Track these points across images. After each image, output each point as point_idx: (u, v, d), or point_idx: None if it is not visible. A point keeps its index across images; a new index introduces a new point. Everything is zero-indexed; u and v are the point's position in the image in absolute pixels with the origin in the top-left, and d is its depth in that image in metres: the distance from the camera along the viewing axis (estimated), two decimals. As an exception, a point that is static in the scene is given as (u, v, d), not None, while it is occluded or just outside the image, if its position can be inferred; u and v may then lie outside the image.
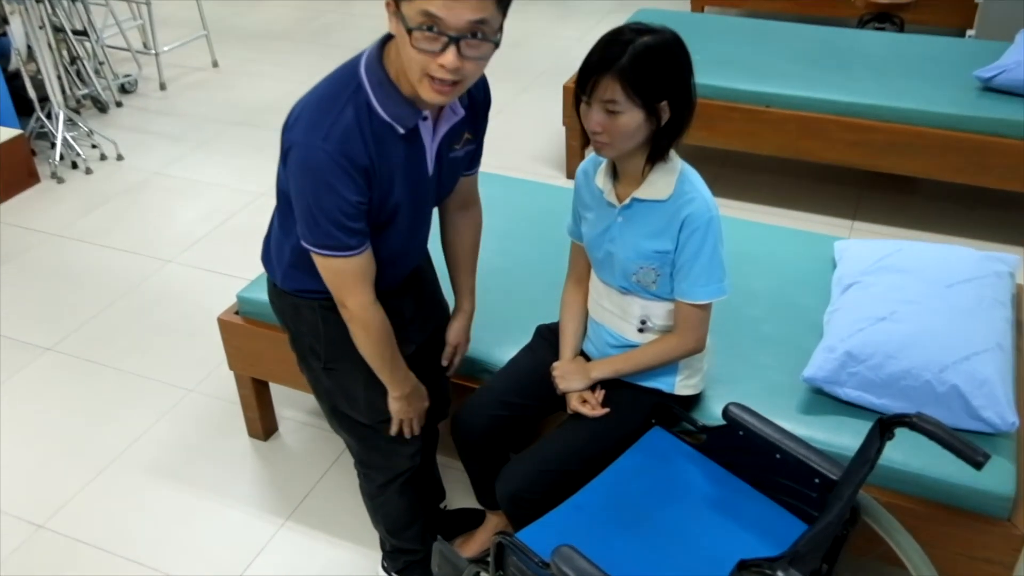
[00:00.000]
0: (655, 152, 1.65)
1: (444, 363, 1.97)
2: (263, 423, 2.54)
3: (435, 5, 1.34)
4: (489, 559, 1.59)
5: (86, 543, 2.26)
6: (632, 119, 1.58)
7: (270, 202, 3.72)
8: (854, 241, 2.33)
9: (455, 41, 1.37)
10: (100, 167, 3.97)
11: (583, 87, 1.59)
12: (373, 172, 1.51)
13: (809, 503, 1.66)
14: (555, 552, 1.40)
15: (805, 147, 3.31)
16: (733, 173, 3.77)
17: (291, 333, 1.79)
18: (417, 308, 1.82)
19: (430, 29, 1.36)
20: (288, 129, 1.51)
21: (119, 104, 4.53)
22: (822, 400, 1.92)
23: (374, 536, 2.22)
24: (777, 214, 3.50)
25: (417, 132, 1.56)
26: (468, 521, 2.21)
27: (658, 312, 1.77)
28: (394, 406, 1.75)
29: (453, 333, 1.94)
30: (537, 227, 2.54)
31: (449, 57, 1.38)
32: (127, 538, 2.28)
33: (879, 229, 3.39)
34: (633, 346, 1.81)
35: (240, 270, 3.25)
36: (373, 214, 1.55)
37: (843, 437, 1.85)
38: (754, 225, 2.55)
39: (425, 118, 1.54)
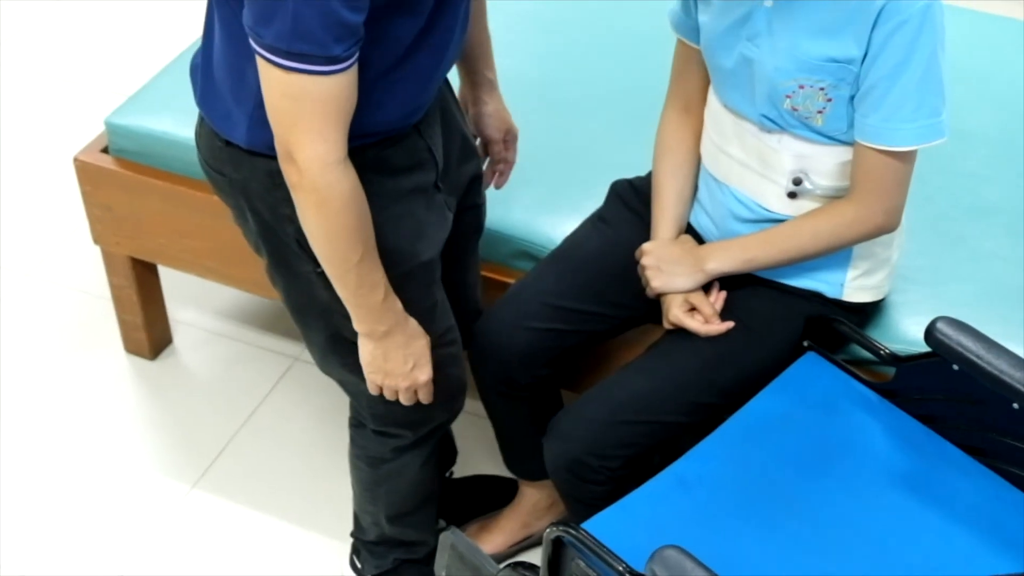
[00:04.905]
0: None
1: (497, 184, 1.99)
2: (150, 332, 2.56)
3: None
4: (526, 561, 1.61)
5: None
6: None
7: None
8: None
9: None
10: None
11: None
12: None
13: (1066, 484, 1.67)
14: (654, 557, 1.40)
15: None
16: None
17: (256, 221, 1.74)
18: (447, 148, 1.81)
19: None
20: None
21: None
22: (1084, 313, 1.94)
23: (333, 517, 2.24)
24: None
25: None
26: (489, 497, 2.26)
27: (824, 163, 1.76)
28: (366, 354, 1.74)
29: (491, 121, 1.95)
30: (601, 5, 2.49)
31: None
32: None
33: None
34: (778, 221, 1.81)
35: (108, 75, 3.18)
36: None
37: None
38: (956, 11, 2.46)
39: None
